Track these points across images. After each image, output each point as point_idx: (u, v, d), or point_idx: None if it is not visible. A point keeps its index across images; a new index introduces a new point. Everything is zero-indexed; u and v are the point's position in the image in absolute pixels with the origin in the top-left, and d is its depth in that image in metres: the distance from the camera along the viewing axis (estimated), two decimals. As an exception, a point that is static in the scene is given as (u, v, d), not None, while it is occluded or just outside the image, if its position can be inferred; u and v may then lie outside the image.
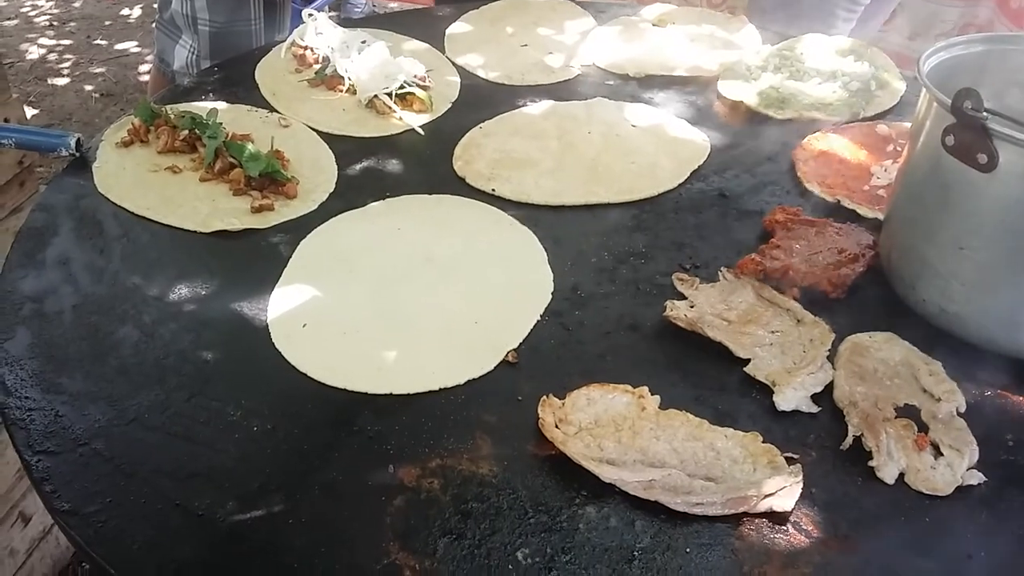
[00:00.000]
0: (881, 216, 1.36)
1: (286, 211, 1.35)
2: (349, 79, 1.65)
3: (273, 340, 1.12)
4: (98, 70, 4.66)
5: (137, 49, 4.88)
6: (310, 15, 1.76)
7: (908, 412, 1.04)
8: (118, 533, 0.89)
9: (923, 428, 1.01)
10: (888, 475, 0.96)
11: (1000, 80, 1.18)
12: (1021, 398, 1.07)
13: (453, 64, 1.79)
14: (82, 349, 1.11)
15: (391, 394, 1.05)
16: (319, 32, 1.76)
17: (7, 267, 1.22)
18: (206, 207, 1.34)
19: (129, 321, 1.15)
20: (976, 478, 0.96)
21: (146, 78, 4.51)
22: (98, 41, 4.96)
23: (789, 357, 1.11)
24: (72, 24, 5.15)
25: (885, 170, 1.47)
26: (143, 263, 1.25)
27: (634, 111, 1.62)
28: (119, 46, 4.91)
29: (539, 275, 1.24)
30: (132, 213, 1.34)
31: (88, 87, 4.47)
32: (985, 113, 0.99)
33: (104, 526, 0.90)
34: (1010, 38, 1.21)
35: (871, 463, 0.97)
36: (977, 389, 1.08)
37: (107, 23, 5.19)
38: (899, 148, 1.53)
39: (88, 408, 1.02)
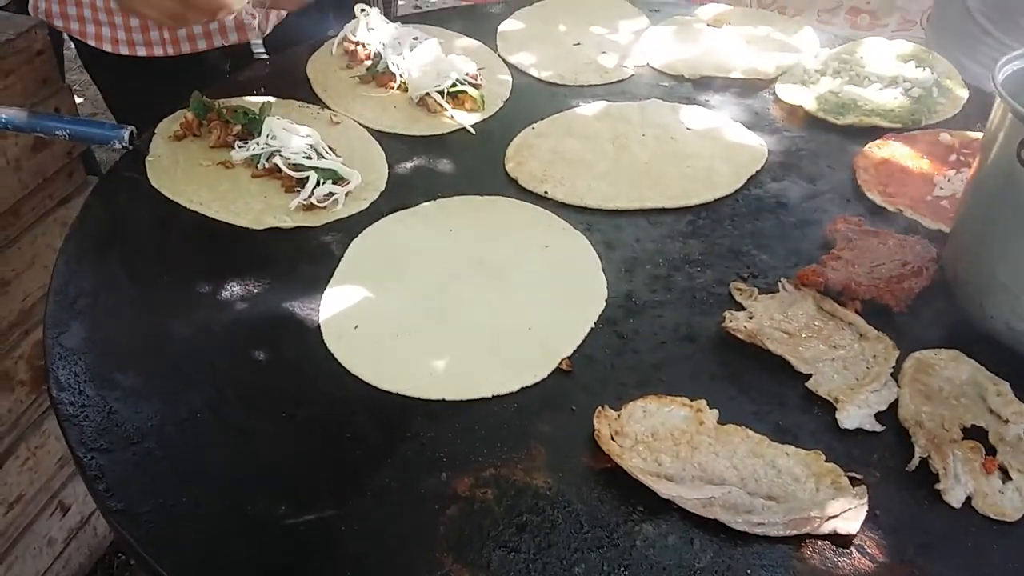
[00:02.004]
0: (944, 228, 1.32)
1: (337, 209, 1.34)
2: (401, 76, 1.64)
3: (325, 341, 1.11)
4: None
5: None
6: (362, 10, 1.75)
7: (975, 433, 1.00)
8: (170, 534, 0.89)
9: (990, 450, 0.98)
10: (955, 499, 0.93)
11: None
12: (1094, 422, 1.03)
13: (505, 62, 1.76)
14: (135, 345, 1.10)
15: (443, 400, 1.04)
16: (371, 28, 1.74)
17: (61, 260, 1.23)
18: (258, 203, 1.34)
19: (182, 317, 1.14)
20: (1047, 505, 0.93)
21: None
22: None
23: (852, 373, 1.08)
24: (120, 12, 5.18)
25: (948, 180, 1.43)
26: (197, 260, 1.25)
27: (689, 114, 1.59)
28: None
29: (593, 281, 1.22)
30: (185, 208, 1.33)
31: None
32: (1068, 127, 0.95)
33: (156, 526, 0.89)
34: (1091, 48, 1.16)
35: (937, 486, 0.94)
36: (1047, 412, 1.04)
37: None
38: (962, 158, 1.49)
39: (141, 405, 1.02)
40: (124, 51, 1.77)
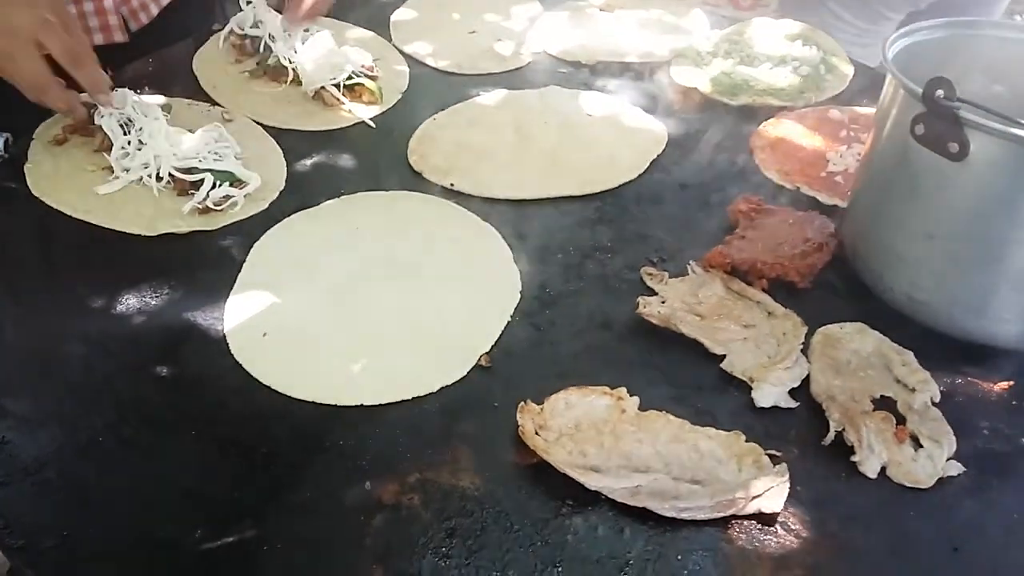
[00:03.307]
0: (840, 203, 1.36)
1: (235, 211, 1.28)
2: (294, 70, 1.58)
3: (232, 351, 1.06)
4: None
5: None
6: (248, 2, 1.68)
7: (884, 404, 1.03)
8: (78, 568, 0.84)
9: (900, 419, 1.01)
10: (871, 469, 0.96)
11: (961, 66, 1.17)
12: (992, 385, 1.08)
13: (400, 52, 1.73)
14: (25, 368, 1.04)
15: (361, 405, 1.01)
16: (259, 20, 1.68)
17: (-65, 280, 1.14)
18: (149, 208, 1.27)
19: (73, 335, 1.08)
20: (955, 468, 0.97)
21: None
22: None
23: (763, 351, 1.09)
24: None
25: (840, 156, 1.47)
26: (86, 271, 1.18)
27: (589, 100, 1.59)
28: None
29: (506, 273, 1.20)
30: (70, 217, 1.25)
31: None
32: (958, 102, 0.99)
33: (62, 562, 0.84)
34: (972, 23, 1.21)
35: (853, 458, 0.97)
36: (948, 377, 1.08)
37: None
38: (852, 133, 1.53)
39: (37, 433, 0.96)
40: None
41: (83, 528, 0.87)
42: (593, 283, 1.20)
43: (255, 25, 1.66)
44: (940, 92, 1.00)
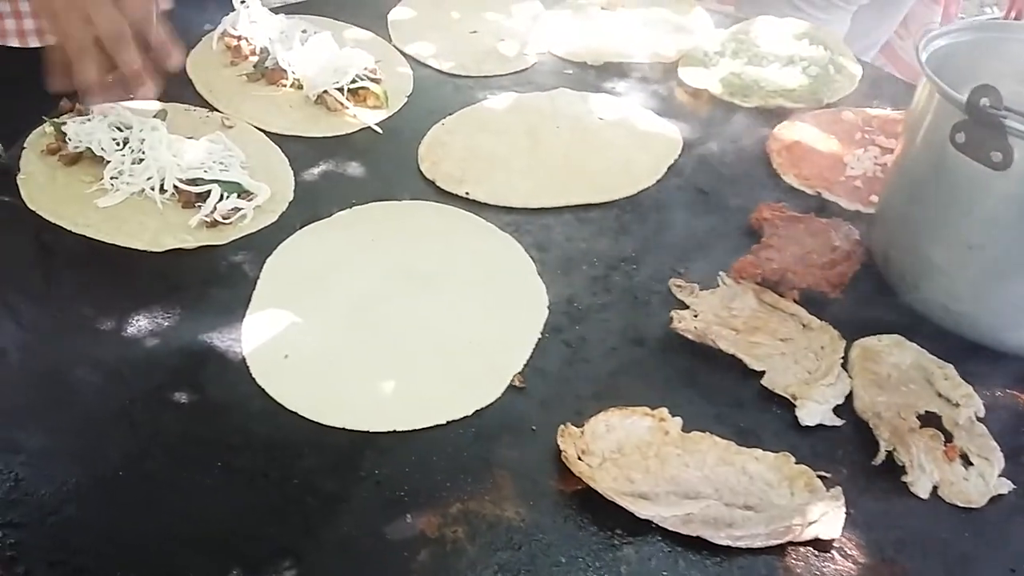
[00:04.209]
0: (861, 208, 1.34)
1: (244, 224, 1.23)
2: (293, 73, 1.53)
3: (254, 376, 1.01)
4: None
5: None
6: (242, 1, 1.62)
7: (928, 419, 1.01)
8: (108, 617, 0.79)
9: (946, 436, 0.99)
10: (922, 490, 0.94)
11: (993, 70, 1.15)
12: (1034, 398, 1.06)
13: (402, 54, 1.67)
14: (36, 397, 0.98)
15: (395, 431, 0.96)
16: (253, 20, 1.62)
17: (-69, 302, 1.07)
18: (154, 221, 1.22)
19: (86, 361, 1.02)
20: (1006, 486, 0.95)
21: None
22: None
23: (802, 366, 1.07)
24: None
25: (858, 159, 1.45)
26: (91, 290, 1.12)
27: (599, 102, 1.56)
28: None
29: (531, 287, 1.16)
30: (70, 232, 1.19)
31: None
32: (1005, 111, 0.96)
33: (91, 609, 0.79)
34: (1004, 26, 1.20)
35: (904, 478, 0.94)
36: (988, 391, 1.06)
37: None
38: (866, 135, 1.51)
39: (53, 468, 0.90)
40: (33, 43, 1.59)
41: (108, 571, 0.82)
42: (621, 296, 1.17)
43: (249, 25, 1.60)
44: (985, 101, 0.97)
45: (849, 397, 1.04)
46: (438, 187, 1.34)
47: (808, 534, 0.87)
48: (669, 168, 1.41)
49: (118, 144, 1.28)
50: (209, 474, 0.91)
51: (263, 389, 1.00)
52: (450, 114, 1.50)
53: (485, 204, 1.31)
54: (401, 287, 1.15)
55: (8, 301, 1.09)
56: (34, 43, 1.60)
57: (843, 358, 1.08)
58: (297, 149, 1.40)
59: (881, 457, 0.96)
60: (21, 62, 1.53)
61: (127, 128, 1.30)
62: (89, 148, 1.27)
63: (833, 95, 1.62)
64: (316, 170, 1.37)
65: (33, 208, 1.23)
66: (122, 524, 0.86)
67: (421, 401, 0.99)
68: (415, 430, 0.97)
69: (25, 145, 1.33)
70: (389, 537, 0.86)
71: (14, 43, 1.59)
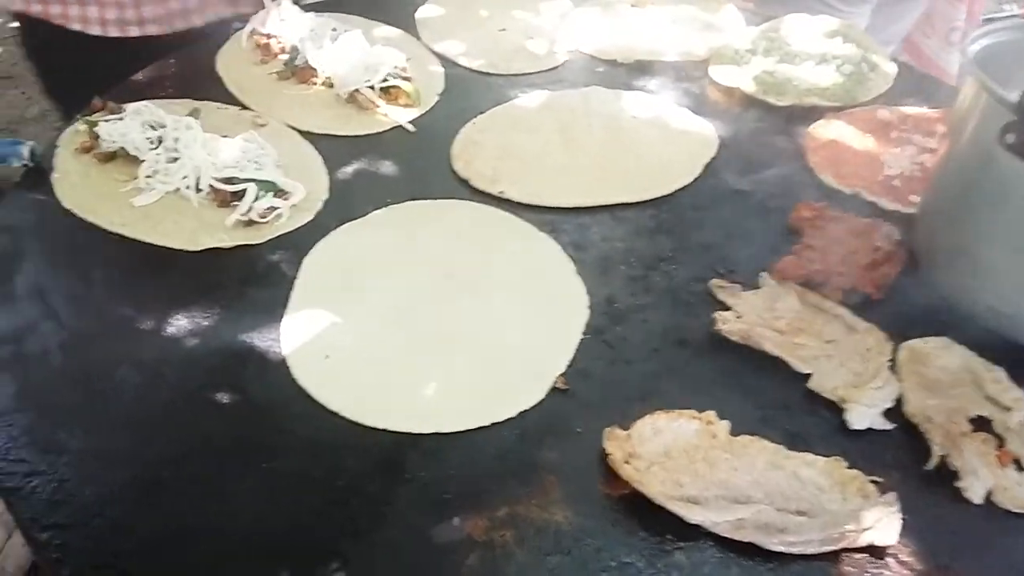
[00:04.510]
0: (901, 208, 1.32)
1: (280, 223, 1.22)
2: (324, 71, 1.52)
3: (294, 376, 1.00)
4: (-7, 50, 4.29)
5: (34, 27, 4.51)
6: (272, -1, 1.61)
7: (978, 423, 0.99)
8: (157, 620, 0.78)
9: (998, 440, 0.97)
10: (976, 495, 0.92)
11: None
12: (1085, 402, 1.04)
13: (432, 52, 1.66)
14: (78, 397, 0.97)
15: (438, 432, 0.95)
16: (282, 19, 1.61)
17: (-29, 301, 1.07)
18: (190, 221, 1.21)
19: (127, 361, 1.01)
20: (1059, 492, 0.93)
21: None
22: (-11, 17, 4.57)
23: (848, 369, 1.05)
24: (-42, -1, 4.72)
25: (896, 158, 1.43)
26: (130, 290, 1.11)
27: (632, 101, 1.54)
28: (13, 24, 4.53)
29: (571, 287, 1.15)
30: (107, 231, 1.19)
31: (-17, 68, 4.12)
32: (1060, 111, 0.94)
33: (139, 613, 0.78)
34: (1049, 26, 1.17)
35: (957, 483, 0.93)
36: (1037, 394, 1.04)
37: (-3, -3, 4.78)
38: (903, 134, 1.49)
39: (96, 469, 0.90)
40: (114, 32, 1.60)
41: (153, 574, 0.81)
42: (661, 297, 1.15)
43: (278, 23, 1.59)
44: (1040, 100, 0.96)
45: (897, 401, 1.02)
46: (472, 186, 1.33)
47: (863, 540, 0.86)
48: (705, 167, 1.40)
49: (152, 143, 1.28)
50: (254, 476, 0.90)
51: (304, 390, 0.99)
52: (482, 112, 1.49)
53: (519, 203, 1.30)
54: (440, 287, 1.13)
55: (47, 300, 1.08)
56: (95, 31, 1.59)
57: (890, 360, 1.06)
58: (329, 148, 1.39)
59: (934, 462, 0.94)
60: (83, 48, 1.55)
61: (160, 127, 1.30)
62: (119, 153, 1.27)
63: (867, 93, 1.60)
64: (349, 169, 1.36)
65: (68, 207, 1.22)
66: (167, 526, 0.85)
67: (463, 403, 0.98)
68: (458, 432, 0.96)
69: (58, 144, 1.33)
70: (436, 540, 0.85)
71: (76, 27, 1.60)
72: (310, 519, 0.86)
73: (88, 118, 1.32)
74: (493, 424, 0.97)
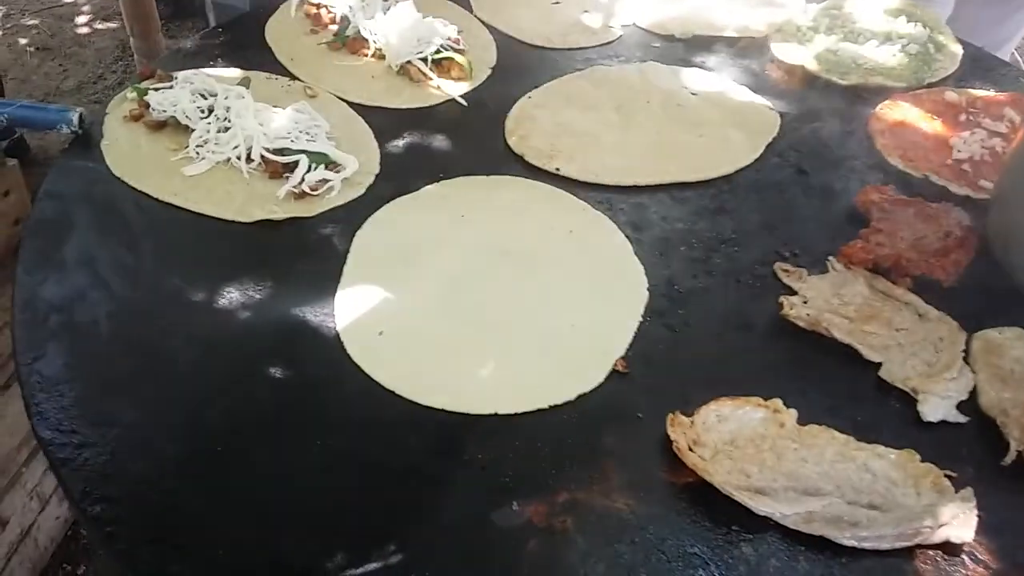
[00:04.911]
0: (971, 193, 1.28)
1: (331, 196, 1.20)
2: (376, 42, 1.49)
3: (348, 352, 0.98)
4: (31, 22, 4.31)
5: (72, -1, 4.52)
6: (322, -32, 1.58)
7: (1055, 418, 0.95)
8: (211, 598, 0.76)
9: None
10: (1056, 493, 0.88)
11: None
12: None
13: (484, 25, 1.63)
14: (128, 368, 0.95)
15: (496, 414, 0.92)
16: (333, -12, 1.58)
17: (21, 269, 1.05)
18: (241, 192, 1.19)
19: (177, 332, 0.99)
20: None
21: (84, 30, 4.19)
22: (29, -10, 4.59)
23: (920, 359, 1.01)
24: (-1, -28, 4.74)
25: (965, 142, 1.37)
26: (180, 260, 1.09)
27: (691, 77, 1.50)
28: (50, -4, 4.55)
29: (629, 268, 1.12)
30: (157, 200, 1.17)
31: (22, 41, 4.14)
32: None
33: (193, 590, 0.76)
34: None
35: (1036, 480, 0.88)
36: (1117, 389, 0.99)
37: (38, -30, 4.80)
38: (971, 117, 1.44)
39: (147, 442, 0.88)
40: None
41: (211, 552, 0.79)
42: (723, 279, 1.12)
43: (330, -7, 1.57)
44: None
45: (971, 393, 0.98)
46: (527, 162, 1.30)
47: (938, 537, 0.82)
48: (767, 147, 1.35)
49: (202, 112, 1.26)
50: (308, 453, 0.88)
51: (359, 366, 0.96)
52: (536, 87, 1.45)
53: (575, 180, 1.26)
54: (495, 265, 1.11)
55: (99, 270, 1.06)
56: None
57: (963, 351, 1.02)
58: (381, 120, 1.37)
59: (1011, 456, 0.90)
60: None
61: (211, 95, 1.28)
62: (170, 122, 1.25)
63: (934, 75, 1.55)
64: (401, 142, 1.33)
65: (118, 175, 1.20)
66: (221, 502, 0.83)
67: (521, 384, 0.95)
68: (517, 414, 0.93)
69: (107, 111, 1.31)
70: (497, 524, 0.82)
71: None
72: (367, 499, 0.84)
73: (138, 86, 1.30)
74: (552, 407, 0.94)
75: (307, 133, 1.24)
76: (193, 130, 1.24)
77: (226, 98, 1.25)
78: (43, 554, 2.15)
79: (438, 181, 1.25)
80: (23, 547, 2.07)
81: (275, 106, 1.29)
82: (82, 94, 3.66)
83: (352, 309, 1.03)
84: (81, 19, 4.27)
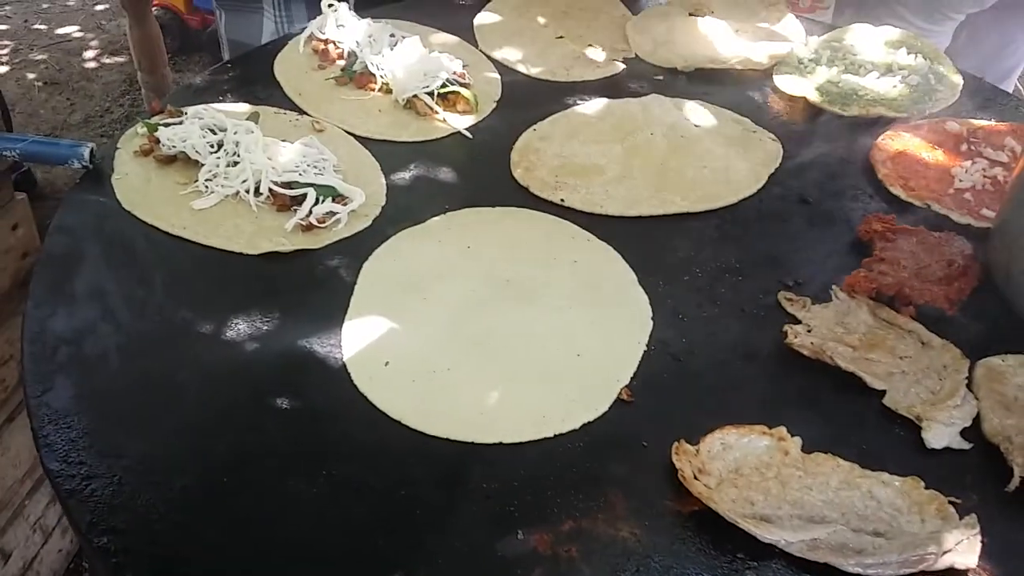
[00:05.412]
0: (973, 222, 1.28)
1: (338, 229, 1.21)
2: (382, 77, 1.51)
3: (355, 382, 0.99)
4: (39, 57, 4.38)
5: (80, 34, 4.60)
6: (330, 5, 1.61)
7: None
8: (217, 628, 0.76)
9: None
10: (1061, 520, 0.87)
11: None
12: None
13: (489, 59, 1.65)
14: (137, 400, 0.96)
15: (501, 443, 0.93)
16: (340, 24, 1.61)
17: (31, 304, 1.07)
18: (249, 225, 1.20)
19: (185, 364, 1.00)
20: None
21: (92, 64, 4.25)
22: (37, 25, 4.67)
23: (924, 386, 1.01)
24: (8, 8, 4.83)
25: (967, 172, 1.39)
26: (189, 293, 1.11)
27: (693, 109, 1.51)
28: (60, 31, 4.63)
29: (633, 297, 1.13)
30: (167, 233, 1.18)
31: (30, 75, 4.20)
32: None
33: (200, 620, 0.76)
34: None
35: (1041, 507, 0.88)
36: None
37: (45, 6, 4.89)
38: (973, 147, 1.45)
39: (155, 473, 0.88)
40: None
41: (217, 581, 0.79)
42: (728, 309, 1.12)
43: (336, 29, 1.59)
44: None
45: (975, 420, 0.98)
46: (531, 193, 1.31)
47: (942, 563, 0.82)
48: (770, 177, 1.36)
49: (212, 147, 1.28)
50: (314, 483, 0.88)
51: (365, 396, 0.97)
52: (540, 120, 1.47)
53: (580, 211, 1.28)
54: (500, 295, 1.12)
55: (108, 303, 1.08)
56: None
57: (966, 378, 1.02)
58: (387, 153, 1.39)
59: (1015, 483, 0.90)
60: None
61: (220, 131, 1.30)
62: (180, 157, 1.27)
63: (935, 105, 1.56)
64: (407, 175, 1.35)
65: (128, 208, 1.22)
66: (227, 533, 0.84)
67: (527, 413, 0.96)
68: (522, 443, 0.93)
69: (119, 145, 1.33)
70: (501, 553, 0.83)
71: None
72: (371, 528, 0.85)
73: (148, 121, 1.32)
74: (557, 436, 0.94)
75: (315, 167, 1.25)
76: (202, 164, 1.26)
77: (235, 133, 1.27)
78: (47, 586, 2.15)
79: (444, 213, 1.26)
80: (26, 580, 2.07)
81: (283, 140, 1.31)
82: (89, 128, 3.71)
83: (359, 339, 1.04)
84: (89, 54, 4.34)
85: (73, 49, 4.45)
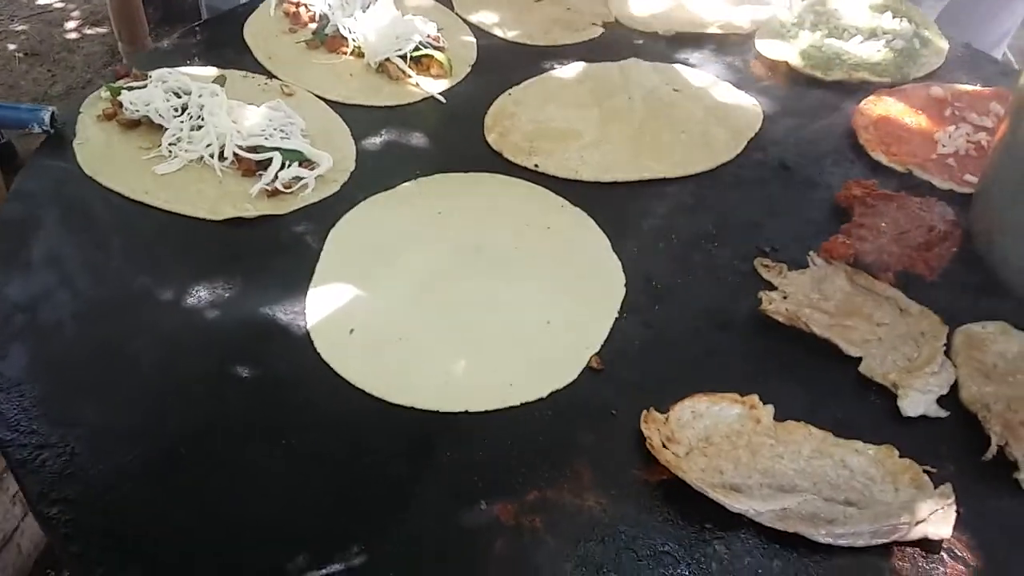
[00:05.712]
0: (955, 187, 1.26)
1: (305, 194, 1.18)
2: (354, 40, 1.47)
3: (318, 350, 0.96)
4: (20, 27, 4.29)
5: (61, 4, 4.51)
6: (302, -32, 1.57)
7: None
8: (169, 602, 0.74)
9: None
10: (1037, 488, 0.86)
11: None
12: None
13: (464, 22, 1.61)
14: (92, 368, 0.94)
15: (466, 412, 0.91)
16: (313, -13, 1.56)
17: (-15, 269, 1.04)
18: (213, 190, 1.17)
19: (144, 332, 0.98)
20: None
21: (73, 35, 4.18)
22: (16, -5, 4.57)
23: (901, 353, 0.99)
24: (-13, -22, 4.73)
25: (950, 137, 1.36)
26: (149, 259, 1.08)
27: (673, 73, 1.48)
28: (41, 1, 4.54)
29: (606, 264, 1.10)
30: (127, 198, 1.15)
31: (10, 46, 4.12)
32: None
33: (147, 594, 0.74)
34: None
35: (1016, 475, 0.87)
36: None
37: (25, -24, 4.79)
38: (956, 112, 1.42)
39: (109, 443, 0.86)
40: None
41: (166, 556, 0.77)
42: (703, 275, 1.10)
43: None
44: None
45: (953, 387, 0.96)
46: (505, 159, 1.28)
47: (916, 533, 0.80)
48: (749, 142, 1.34)
49: (176, 111, 1.24)
50: (273, 454, 0.86)
51: (328, 364, 0.95)
52: (516, 84, 1.44)
53: (555, 177, 1.25)
54: (470, 262, 1.09)
55: (66, 270, 1.05)
56: None
57: (945, 345, 1.00)
58: (358, 118, 1.35)
59: (992, 452, 0.88)
60: None
61: (185, 94, 1.26)
62: (143, 121, 1.24)
63: (919, 70, 1.53)
64: (378, 140, 1.31)
65: (89, 174, 1.19)
66: (182, 504, 0.81)
67: (493, 382, 0.94)
68: (488, 412, 0.91)
69: (81, 110, 1.29)
70: (463, 525, 0.81)
71: None
72: (331, 500, 0.82)
73: (111, 85, 1.29)
74: (524, 404, 0.92)
75: (281, 131, 1.22)
76: (166, 128, 1.22)
77: (199, 96, 1.24)
78: (26, 560, 2.13)
79: (415, 179, 1.23)
80: (6, 552, 2.04)
81: (251, 104, 1.27)
82: (71, 99, 3.64)
83: (323, 307, 1.01)
84: (70, 24, 4.26)
85: (54, 20, 4.36)
